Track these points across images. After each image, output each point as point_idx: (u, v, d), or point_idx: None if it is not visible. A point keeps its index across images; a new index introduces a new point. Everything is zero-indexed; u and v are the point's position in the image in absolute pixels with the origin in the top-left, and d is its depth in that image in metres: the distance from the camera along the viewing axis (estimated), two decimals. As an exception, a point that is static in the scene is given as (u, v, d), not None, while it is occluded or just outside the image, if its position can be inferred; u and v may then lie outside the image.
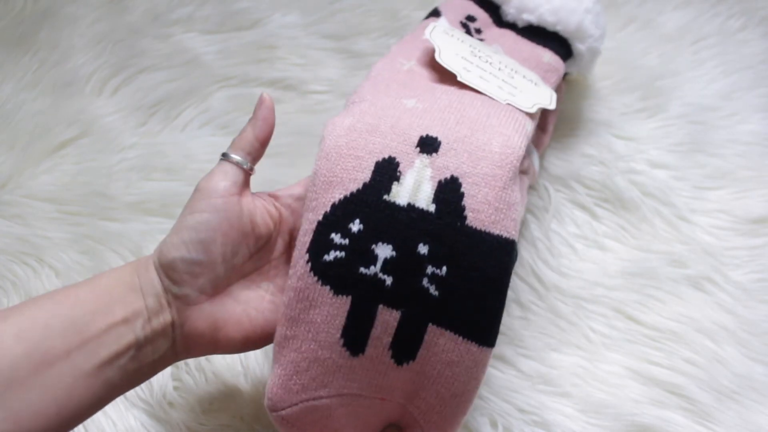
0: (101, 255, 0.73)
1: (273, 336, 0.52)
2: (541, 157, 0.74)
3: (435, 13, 0.68)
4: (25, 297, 0.71)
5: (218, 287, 0.52)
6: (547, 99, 0.60)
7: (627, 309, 0.68)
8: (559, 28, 0.67)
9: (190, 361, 0.67)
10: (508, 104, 0.57)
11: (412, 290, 0.49)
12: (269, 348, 0.53)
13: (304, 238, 0.51)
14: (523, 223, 0.72)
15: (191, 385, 0.66)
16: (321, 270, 0.50)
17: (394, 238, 0.49)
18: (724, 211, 0.73)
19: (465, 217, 0.49)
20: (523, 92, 0.59)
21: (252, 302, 0.54)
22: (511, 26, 0.69)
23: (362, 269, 0.49)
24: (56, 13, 0.86)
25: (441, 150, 0.51)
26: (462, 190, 0.50)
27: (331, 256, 0.50)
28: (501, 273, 0.50)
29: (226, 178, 0.53)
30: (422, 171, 0.51)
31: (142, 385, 0.65)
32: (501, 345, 0.67)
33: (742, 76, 0.80)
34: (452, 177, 0.50)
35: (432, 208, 0.49)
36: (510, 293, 0.69)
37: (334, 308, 0.50)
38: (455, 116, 0.54)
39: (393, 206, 0.50)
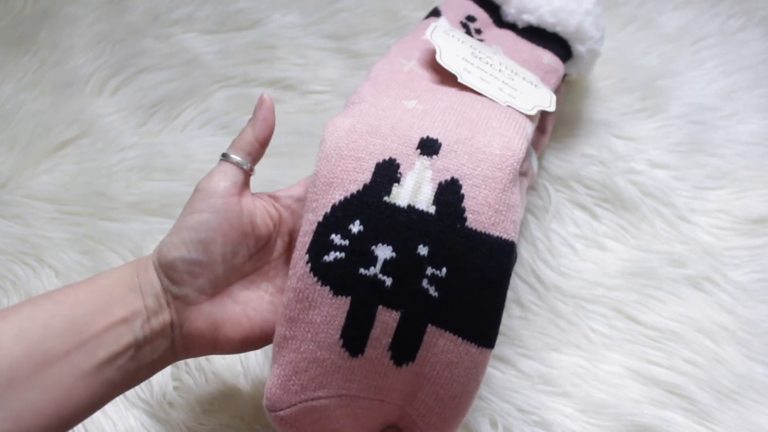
0: (101, 255, 0.73)
1: (272, 336, 0.52)
2: (541, 158, 0.74)
3: (435, 13, 0.68)
4: (25, 297, 0.71)
5: (218, 287, 0.53)
6: (547, 101, 0.60)
7: (627, 309, 0.68)
8: (559, 30, 0.67)
9: (190, 361, 0.67)
10: (509, 106, 0.57)
11: (411, 291, 0.49)
12: (269, 348, 0.53)
13: (304, 239, 0.51)
14: (523, 223, 0.72)
15: (191, 385, 0.66)
16: (321, 271, 0.50)
17: (394, 239, 0.49)
18: (724, 211, 0.73)
19: (465, 219, 0.49)
20: (524, 94, 0.59)
21: (251, 303, 0.54)
22: (511, 27, 0.69)
23: (362, 270, 0.49)
24: (56, 13, 0.86)
25: (441, 152, 0.51)
26: (462, 191, 0.50)
27: (331, 256, 0.50)
28: (501, 274, 0.50)
29: (226, 179, 0.53)
30: (422, 173, 0.51)
31: (142, 385, 0.65)
32: (501, 345, 0.67)
33: (742, 76, 0.80)
34: (452, 179, 0.50)
35: (432, 209, 0.49)
36: (510, 293, 0.69)
37: (333, 309, 0.50)
38: (456, 118, 0.54)
39: (393, 207, 0.50)
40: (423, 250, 0.49)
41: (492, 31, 0.69)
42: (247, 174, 0.54)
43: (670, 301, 0.69)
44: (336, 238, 0.50)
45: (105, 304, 0.49)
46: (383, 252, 0.49)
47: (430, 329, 0.49)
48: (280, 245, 0.56)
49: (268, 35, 0.84)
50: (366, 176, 0.50)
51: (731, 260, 0.71)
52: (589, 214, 0.73)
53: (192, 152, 0.78)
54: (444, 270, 0.49)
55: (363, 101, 0.56)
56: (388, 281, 0.49)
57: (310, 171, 0.52)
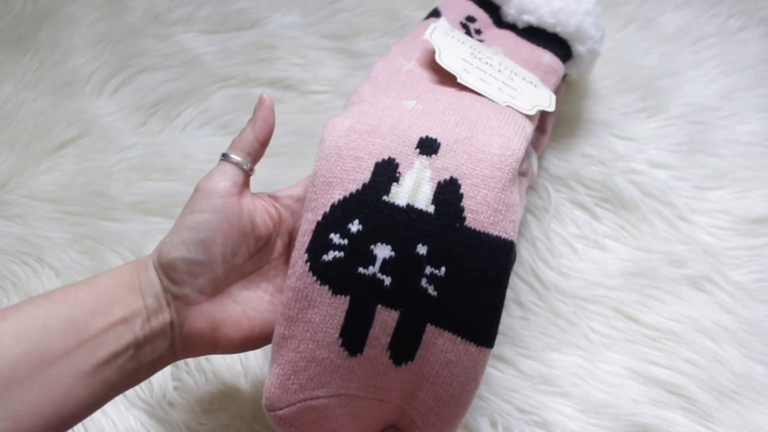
0: (101, 255, 0.73)
1: (272, 336, 0.52)
2: (541, 158, 0.74)
3: (435, 14, 0.68)
4: (25, 297, 0.71)
5: (218, 287, 0.53)
6: (547, 101, 0.60)
7: (627, 309, 0.68)
8: (559, 30, 0.67)
9: (190, 361, 0.67)
10: (508, 106, 0.57)
11: (410, 290, 0.49)
12: (269, 348, 0.53)
13: (303, 238, 0.51)
14: (523, 223, 0.72)
15: (191, 385, 0.66)
16: (320, 270, 0.50)
17: (393, 238, 0.49)
18: (724, 211, 0.73)
19: (464, 218, 0.49)
20: (523, 94, 0.59)
21: (251, 302, 0.54)
22: (511, 27, 0.69)
23: (361, 269, 0.49)
24: (56, 13, 0.86)
25: (440, 151, 0.51)
26: (461, 191, 0.50)
27: (330, 256, 0.50)
28: (500, 274, 0.50)
29: (226, 179, 0.53)
30: (421, 172, 0.51)
31: (142, 385, 0.65)
32: (501, 345, 0.67)
33: (742, 76, 0.80)
34: (451, 178, 0.50)
35: (431, 209, 0.50)
36: (510, 293, 0.69)
37: (332, 308, 0.50)
38: (455, 118, 0.54)
39: (392, 207, 0.50)
40: (422, 250, 0.49)
41: (492, 32, 0.69)
42: (247, 174, 0.54)
43: (670, 301, 0.69)
44: (335, 238, 0.50)
45: (105, 304, 0.49)
46: (382, 251, 0.49)
47: (429, 328, 0.49)
48: (279, 245, 0.56)
49: (268, 35, 0.84)
50: (365, 176, 0.51)
51: (731, 260, 0.71)
52: (589, 214, 0.73)
53: (192, 152, 0.78)
54: (443, 269, 0.49)
55: (363, 101, 0.56)
56: (387, 280, 0.49)
57: (310, 171, 0.52)
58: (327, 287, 0.50)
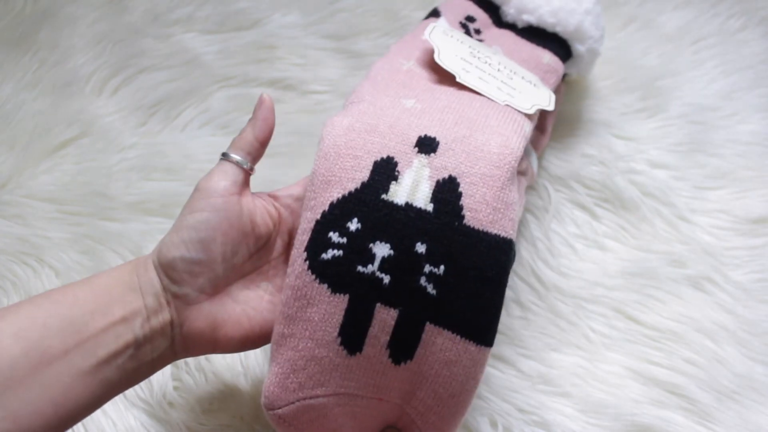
0: (101, 255, 0.73)
1: (271, 335, 0.52)
2: (541, 158, 0.74)
3: (434, 14, 0.68)
4: (25, 297, 0.71)
5: (217, 287, 0.53)
6: (546, 100, 0.60)
7: (627, 309, 0.68)
8: (559, 29, 0.67)
9: (190, 361, 0.67)
10: (507, 105, 0.57)
11: (409, 289, 0.49)
12: (269, 347, 0.53)
13: (303, 237, 0.51)
14: (523, 223, 0.72)
15: (191, 385, 0.66)
16: (319, 268, 0.50)
17: (392, 237, 0.49)
18: (724, 211, 0.73)
19: (463, 217, 0.49)
20: (522, 93, 0.59)
21: (251, 302, 0.54)
22: (511, 27, 0.69)
23: (360, 268, 0.49)
24: (56, 13, 0.86)
25: (439, 150, 0.51)
26: (460, 189, 0.50)
27: (329, 254, 0.50)
28: (499, 272, 0.50)
29: (225, 178, 0.53)
30: (420, 171, 0.51)
31: (142, 385, 0.65)
32: (501, 345, 0.67)
33: (742, 76, 0.80)
34: (450, 177, 0.50)
35: (430, 207, 0.50)
36: (510, 293, 0.69)
37: (331, 306, 0.50)
38: (454, 117, 0.54)
39: (391, 205, 0.50)
40: (421, 248, 0.49)
41: (491, 32, 0.69)
42: (247, 173, 0.54)
43: (670, 301, 0.69)
44: (334, 236, 0.50)
45: (104, 303, 0.49)
46: (381, 250, 0.49)
47: (429, 327, 0.49)
48: (279, 244, 0.56)
49: (268, 35, 0.84)
50: (364, 174, 0.51)
51: (731, 260, 0.71)
52: (589, 214, 0.73)
53: (192, 152, 0.78)
54: (442, 268, 0.49)
55: (362, 100, 0.56)
56: (386, 279, 0.49)
57: (310, 171, 0.52)
58: (326, 286, 0.50)
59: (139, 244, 0.73)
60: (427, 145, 0.51)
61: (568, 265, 0.71)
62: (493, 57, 0.62)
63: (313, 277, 0.50)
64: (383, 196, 0.50)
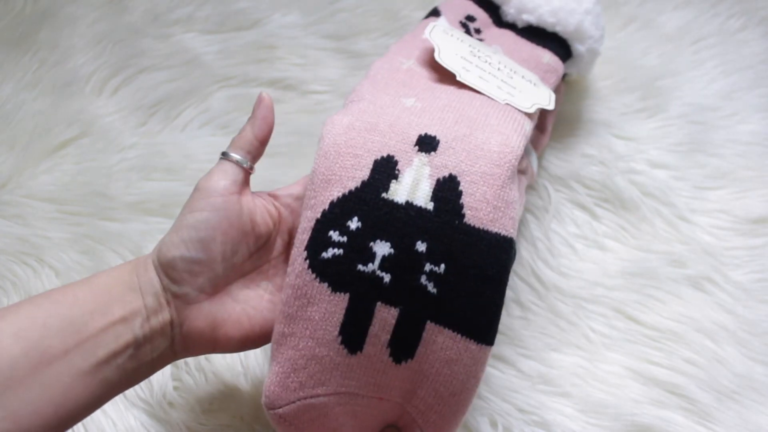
0: (101, 255, 0.73)
1: (272, 335, 0.52)
2: (541, 158, 0.74)
3: (435, 13, 0.68)
4: (25, 297, 0.71)
5: (217, 286, 0.52)
6: (546, 99, 0.60)
7: (627, 309, 0.68)
8: (559, 29, 0.67)
9: (190, 361, 0.67)
10: (507, 104, 0.57)
11: (410, 288, 0.49)
12: (269, 347, 0.53)
13: (303, 236, 0.51)
14: (523, 223, 0.72)
15: (191, 385, 0.66)
16: (319, 267, 0.50)
17: (393, 235, 0.49)
18: (724, 211, 0.73)
19: (463, 215, 0.49)
20: (522, 92, 0.59)
21: (251, 301, 0.54)
22: (511, 26, 0.69)
23: (360, 266, 0.49)
24: (56, 13, 0.86)
25: (439, 149, 0.51)
26: (460, 188, 0.50)
27: (329, 253, 0.50)
28: (499, 271, 0.50)
29: (225, 177, 0.53)
30: (421, 169, 0.51)
31: (142, 385, 0.65)
32: (501, 345, 0.67)
33: (742, 76, 0.80)
34: (450, 175, 0.50)
35: (430, 206, 0.50)
36: (510, 293, 0.69)
37: (332, 305, 0.50)
38: (454, 115, 0.54)
39: (391, 204, 0.50)
40: (421, 247, 0.49)
41: (491, 31, 0.69)
42: (247, 172, 0.54)
43: (670, 301, 0.69)
44: (334, 235, 0.50)
45: (104, 303, 0.49)
46: (381, 248, 0.49)
47: (429, 326, 0.49)
48: (279, 244, 0.56)
49: (268, 35, 0.84)
50: (364, 173, 0.51)
51: (731, 260, 0.71)
52: (589, 214, 0.73)
53: (192, 152, 0.78)
54: (442, 266, 0.49)
55: (362, 99, 0.56)
56: (387, 278, 0.49)
57: (310, 170, 0.52)
58: (326, 284, 0.49)
59: (139, 244, 0.73)
60: (427, 144, 0.51)
61: (568, 265, 0.71)
62: (493, 56, 0.62)
63: (314, 276, 0.50)
64: (383, 194, 0.50)
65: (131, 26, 0.85)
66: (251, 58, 0.83)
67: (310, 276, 0.50)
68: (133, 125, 0.80)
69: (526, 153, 0.66)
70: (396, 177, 0.50)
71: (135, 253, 0.72)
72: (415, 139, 0.52)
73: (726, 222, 0.72)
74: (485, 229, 0.49)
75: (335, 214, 0.50)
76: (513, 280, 0.69)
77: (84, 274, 0.71)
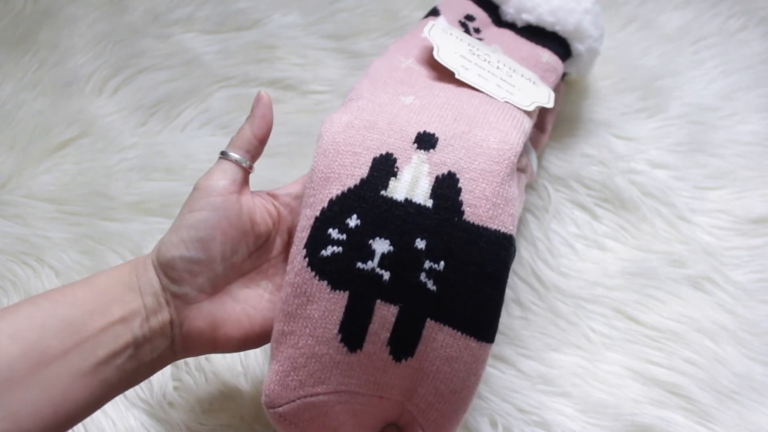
0: (101, 255, 0.73)
1: (271, 334, 0.52)
2: (541, 157, 0.74)
3: (434, 12, 0.68)
4: (25, 297, 0.71)
5: (217, 286, 0.52)
6: (545, 97, 0.60)
7: (627, 309, 0.68)
8: (558, 28, 0.67)
9: (190, 361, 0.67)
10: (506, 102, 0.57)
11: (409, 285, 0.49)
12: (269, 347, 0.53)
13: (302, 234, 0.51)
14: (523, 223, 0.72)
15: (191, 385, 0.66)
16: (318, 265, 0.50)
17: (392, 233, 0.49)
18: (724, 211, 0.73)
19: (462, 212, 0.49)
20: (522, 91, 0.59)
21: (251, 301, 0.54)
22: (510, 26, 0.69)
23: (360, 264, 0.49)
24: (56, 13, 0.86)
25: (438, 146, 0.51)
26: (459, 185, 0.50)
27: (329, 251, 0.50)
28: (499, 268, 0.50)
29: (225, 177, 0.53)
30: (419, 167, 0.51)
31: (142, 385, 0.65)
32: (501, 345, 0.67)
33: (742, 76, 0.80)
34: (449, 173, 0.50)
35: (429, 203, 0.50)
36: (510, 293, 0.69)
37: (331, 303, 0.50)
38: (453, 113, 0.54)
39: (390, 201, 0.50)
40: (420, 244, 0.49)
41: (491, 31, 0.69)
42: (246, 172, 0.54)
43: (670, 301, 0.69)
44: (333, 233, 0.50)
45: (103, 303, 0.49)
46: (381, 246, 0.49)
47: (429, 323, 0.49)
48: (279, 243, 0.56)
49: (268, 35, 0.84)
50: (363, 171, 0.51)
51: (731, 260, 0.71)
52: (589, 214, 0.73)
53: (192, 152, 0.78)
54: (442, 263, 0.49)
55: (360, 97, 0.56)
56: (386, 275, 0.49)
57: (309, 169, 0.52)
58: (326, 282, 0.50)
59: (139, 244, 0.73)
60: (426, 141, 0.51)
61: (568, 265, 0.71)
62: (492, 55, 0.62)
63: (313, 274, 0.50)
64: (382, 192, 0.50)
65: (131, 26, 0.85)
66: (251, 58, 0.83)
67: (309, 274, 0.50)
68: (133, 125, 0.80)
69: (525, 152, 0.66)
70: (395, 174, 0.50)
71: (135, 253, 0.72)
72: (413, 136, 0.52)
73: (726, 222, 0.72)
74: (485, 226, 0.49)
75: (334, 212, 0.50)
76: (513, 280, 0.69)
77: (84, 274, 0.71)
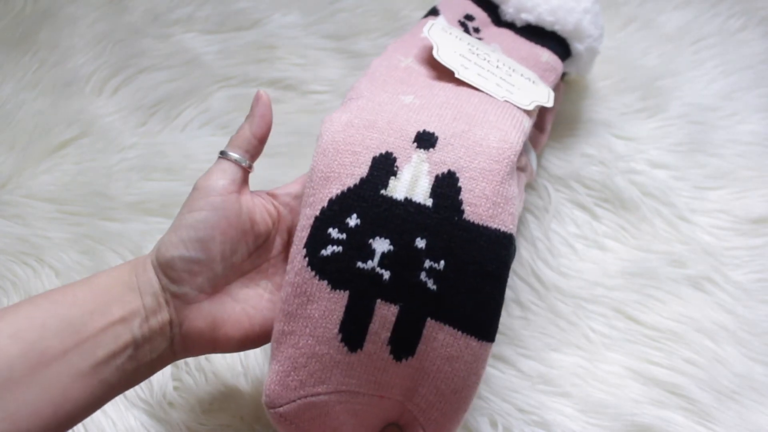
0: (101, 255, 0.73)
1: (271, 334, 0.52)
2: (541, 157, 0.74)
3: (433, 12, 0.68)
4: (25, 297, 0.71)
5: (217, 286, 0.52)
6: (545, 97, 0.60)
7: (627, 309, 0.68)
8: (558, 28, 0.67)
9: (190, 361, 0.67)
10: (506, 101, 0.57)
11: (409, 284, 0.49)
12: (269, 347, 0.53)
13: (302, 234, 0.51)
14: (523, 223, 0.72)
15: (191, 385, 0.66)
16: (318, 265, 0.49)
17: (392, 232, 0.49)
18: (724, 211, 0.73)
19: (462, 211, 0.49)
20: (521, 90, 0.59)
21: (251, 301, 0.54)
22: (510, 25, 0.69)
23: (360, 264, 0.49)
24: (56, 13, 0.86)
25: (438, 145, 0.51)
26: (459, 184, 0.50)
27: (329, 250, 0.49)
28: (499, 267, 0.50)
29: (224, 176, 0.52)
30: (419, 166, 0.51)
31: (142, 385, 0.65)
32: (501, 345, 0.67)
33: (742, 76, 0.80)
34: (449, 171, 0.50)
35: (429, 202, 0.50)
36: (510, 293, 0.69)
37: (331, 303, 0.50)
38: (452, 112, 0.54)
39: (390, 201, 0.50)
40: (421, 243, 0.49)
41: (490, 30, 0.69)
42: (246, 171, 0.54)
43: (670, 301, 0.69)
44: (333, 232, 0.50)
45: (103, 303, 0.48)
46: (381, 245, 0.49)
47: (430, 323, 0.49)
48: (279, 243, 0.56)
49: (268, 35, 0.84)
50: (363, 170, 0.51)
51: (731, 260, 0.71)
52: (589, 214, 0.73)
53: (192, 152, 0.78)
54: (442, 263, 0.49)
55: (360, 97, 0.56)
56: (386, 275, 0.49)
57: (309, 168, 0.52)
58: (326, 282, 0.49)
59: (139, 244, 0.73)
60: (425, 141, 0.51)
61: (568, 265, 0.71)
62: (491, 54, 0.62)
63: (313, 273, 0.50)
64: (382, 191, 0.50)
65: (131, 26, 0.85)
66: (251, 58, 0.83)
67: (309, 273, 0.50)
68: (133, 125, 0.80)
69: (525, 151, 0.66)
70: (395, 174, 0.50)
71: (135, 253, 0.72)
72: (413, 135, 0.52)
73: (726, 222, 0.72)
74: (485, 225, 0.49)
75: (334, 211, 0.50)
76: (513, 280, 0.69)
77: (84, 274, 0.71)
